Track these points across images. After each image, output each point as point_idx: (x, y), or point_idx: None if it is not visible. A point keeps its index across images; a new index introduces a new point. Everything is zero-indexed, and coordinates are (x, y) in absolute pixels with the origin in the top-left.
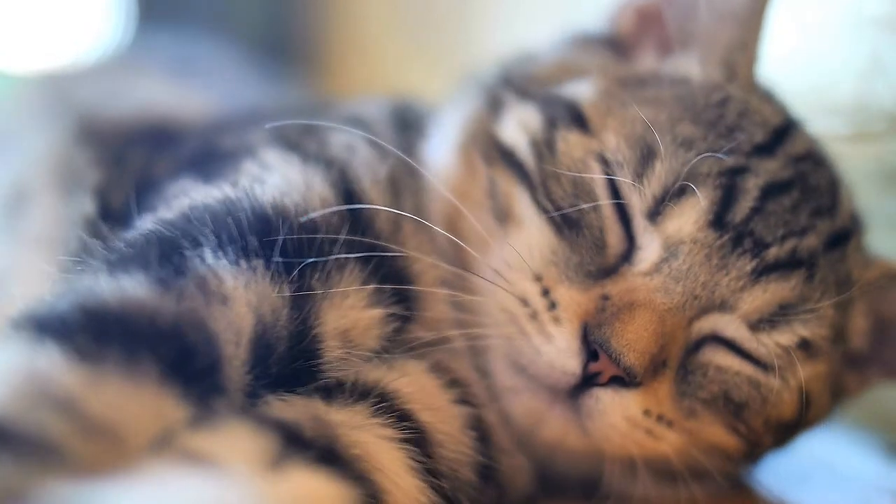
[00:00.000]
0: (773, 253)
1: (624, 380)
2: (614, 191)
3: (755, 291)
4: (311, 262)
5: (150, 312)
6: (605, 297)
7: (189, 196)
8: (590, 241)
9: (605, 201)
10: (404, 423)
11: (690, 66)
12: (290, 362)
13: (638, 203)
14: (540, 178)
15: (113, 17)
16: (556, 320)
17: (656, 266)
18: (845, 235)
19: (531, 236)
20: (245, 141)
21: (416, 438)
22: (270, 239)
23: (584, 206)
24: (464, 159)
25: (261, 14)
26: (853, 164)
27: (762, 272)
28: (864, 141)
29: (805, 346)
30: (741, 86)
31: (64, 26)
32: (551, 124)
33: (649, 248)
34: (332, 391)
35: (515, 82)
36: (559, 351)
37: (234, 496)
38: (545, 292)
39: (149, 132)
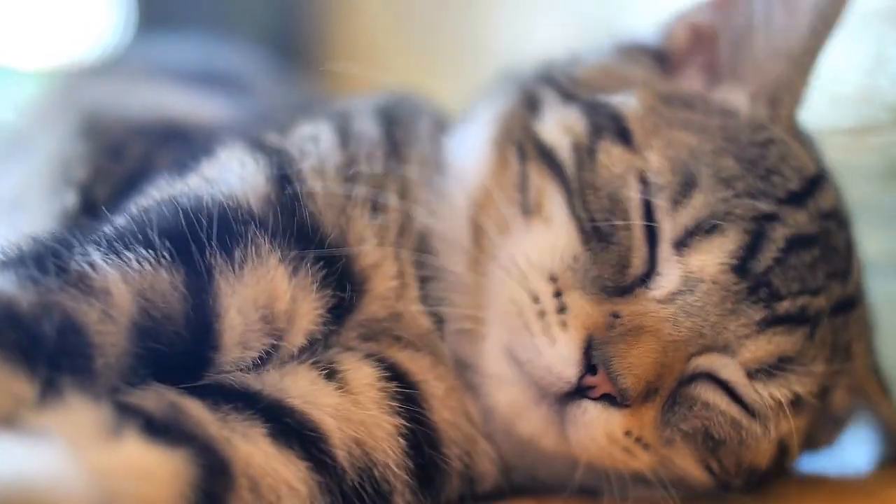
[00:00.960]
0: (784, 306)
1: (615, 399)
2: (648, 213)
3: (760, 341)
4: (217, 246)
5: (10, 305)
6: (615, 315)
7: (134, 199)
8: (614, 258)
9: (637, 222)
10: (281, 426)
11: (739, 100)
12: (187, 344)
13: (668, 230)
14: (578, 184)
15: (115, 14)
16: (563, 325)
17: (671, 296)
18: (851, 303)
19: (556, 237)
20: (217, 139)
21: (302, 436)
22: (179, 231)
23: (617, 222)
24: (497, 152)
25: (263, 13)
26: (856, 156)
27: (770, 323)
28: (867, 134)
29: (796, 402)
30: (784, 127)
31: (67, 22)
32: (595, 132)
33: (668, 277)
34: (216, 398)
35: (558, 82)
36: (559, 356)
37: (39, 456)
38: (558, 294)
39: (160, 129)
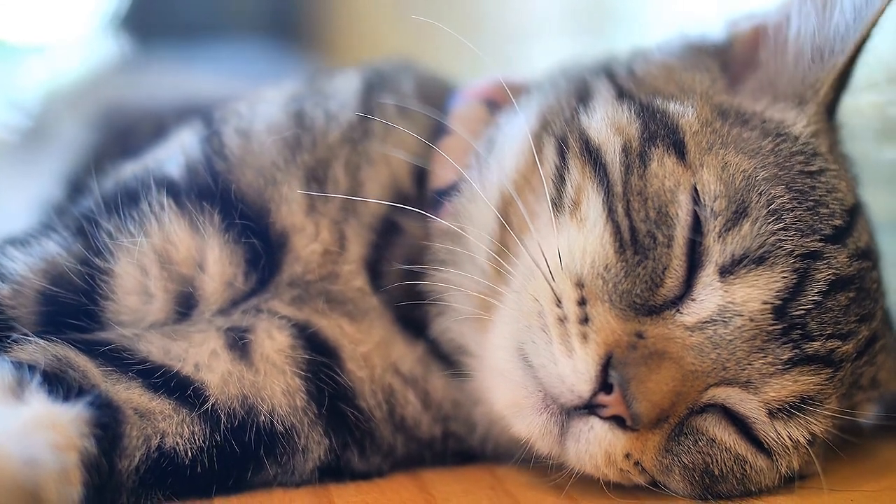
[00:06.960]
0: (814, 347)
1: (624, 421)
2: (694, 234)
3: (784, 380)
4: (107, 214)
5: None
6: (640, 336)
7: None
8: (648, 274)
9: (681, 241)
10: (154, 381)
11: (796, 122)
12: (84, 300)
13: (716, 254)
14: (623, 188)
15: None
16: (584, 337)
17: (702, 324)
18: (874, 339)
19: (590, 241)
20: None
21: (170, 387)
22: (87, 212)
23: (660, 237)
24: (536, 144)
25: None
26: (851, 115)
27: (797, 363)
28: (863, 92)
29: (811, 442)
30: (829, 148)
31: None
32: (650, 139)
33: (703, 304)
34: (105, 361)
35: (615, 76)
36: (575, 370)
37: None
38: (582, 301)
39: (178, 110)
